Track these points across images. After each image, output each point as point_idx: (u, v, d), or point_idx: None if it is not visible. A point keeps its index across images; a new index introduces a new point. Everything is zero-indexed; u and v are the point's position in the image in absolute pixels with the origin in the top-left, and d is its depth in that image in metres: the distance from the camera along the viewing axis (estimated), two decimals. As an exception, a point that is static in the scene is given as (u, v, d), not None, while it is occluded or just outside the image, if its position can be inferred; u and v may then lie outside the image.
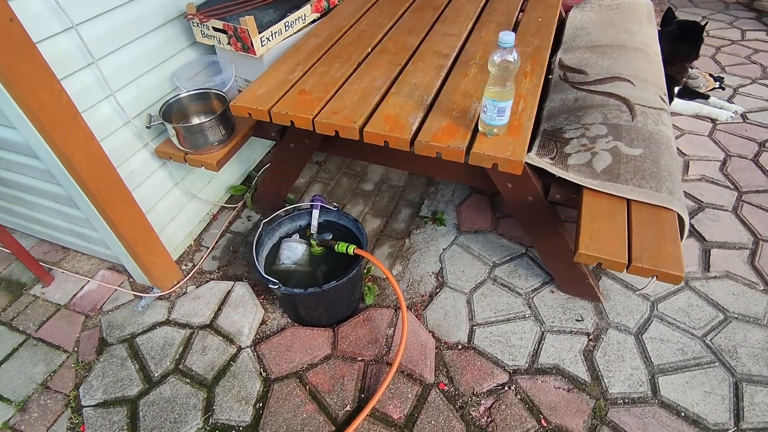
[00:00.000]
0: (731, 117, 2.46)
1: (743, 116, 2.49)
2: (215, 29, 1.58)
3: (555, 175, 1.43)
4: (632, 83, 1.74)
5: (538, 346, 1.57)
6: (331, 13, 1.87)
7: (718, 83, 2.66)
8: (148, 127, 1.54)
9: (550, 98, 1.82)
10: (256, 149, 2.32)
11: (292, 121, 1.33)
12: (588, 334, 1.59)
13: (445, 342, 1.60)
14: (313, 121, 1.30)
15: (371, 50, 1.61)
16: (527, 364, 1.52)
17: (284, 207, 1.72)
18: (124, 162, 1.55)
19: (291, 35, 1.71)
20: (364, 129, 1.25)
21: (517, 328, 1.62)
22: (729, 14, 3.52)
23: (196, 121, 1.67)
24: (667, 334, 1.57)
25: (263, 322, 1.68)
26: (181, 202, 1.87)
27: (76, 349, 1.63)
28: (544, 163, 1.44)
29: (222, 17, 1.58)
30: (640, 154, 1.44)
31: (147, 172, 1.66)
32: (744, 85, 2.73)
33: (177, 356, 1.58)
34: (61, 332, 1.68)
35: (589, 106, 1.67)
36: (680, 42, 2.39)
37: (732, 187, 2.09)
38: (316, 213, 1.69)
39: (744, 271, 1.75)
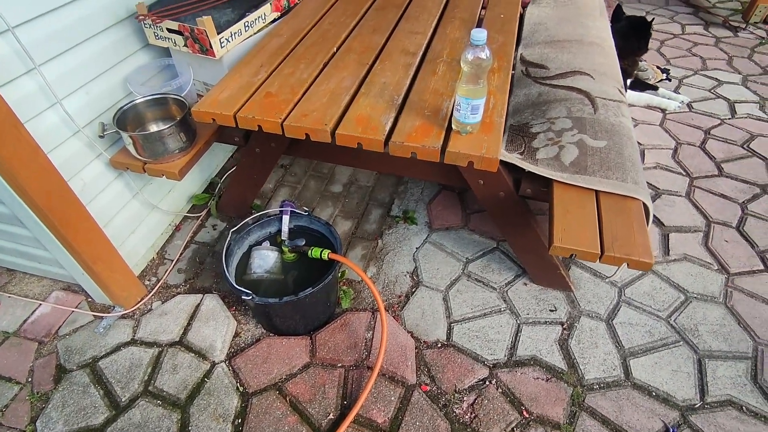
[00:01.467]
0: (679, 107, 2.59)
1: (689, 106, 2.63)
2: (170, 30, 1.49)
3: (525, 169, 1.45)
4: (592, 77, 1.79)
5: (515, 338, 1.59)
6: (292, 12, 1.82)
7: (665, 75, 2.81)
8: (101, 137, 1.44)
9: (514, 93, 1.84)
10: (218, 155, 2.23)
11: (259, 126, 1.28)
12: (562, 324, 1.63)
13: (424, 341, 1.59)
14: (282, 124, 1.25)
15: (336, 50, 1.58)
16: (506, 358, 1.54)
17: (251, 214, 1.66)
18: (76, 174, 1.45)
19: (251, 36, 1.64)
20: (336, 131, 1.22)
21: (493, 322, 1.64)
22: (669, 9, 3.72)
23: (154, 128, 1.58)
24: (635, 318, 1.64)
25: (236, 335, 1.61)
26: (141, 214, 1.77)
27: (29, 379, 1.51)
28: (515, 159, 1.46)
29: (176, 17, 1.50)
30: (604, 146, 1.48)
31: (102, 184, 1.55)
32: (688, 76, 2.89)
33: (146, 377, 1.49)
34: (11, 362, 1.55)
35: (553, 100, 1.71)
36: (631, 36, 2.50)
37: (684, 173, 2.21)
38: (286, 219, 1.64)
39: (699, 252, 1.85)
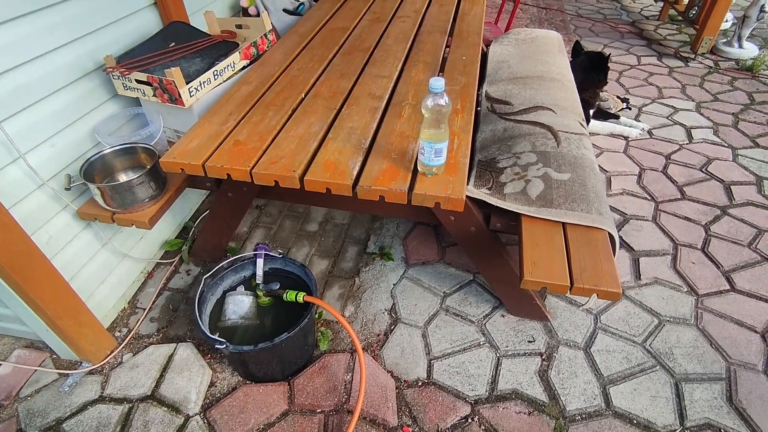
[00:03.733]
0: (640, 134, 2.71)
1: (649, 132, 2.75)
2: (139, 81, 1.51)
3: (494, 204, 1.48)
4: (554, 111, 1.87)
5: (496, 372, 1.59)
6: (261, 59, 1.86)
7: (625, 104, 2.94)
8: (67, 189, 1.42)
9: (480, 129, 1.91)
10: (191, 198, 2.22)
11: (228, 174, 1.28)
12: (541, 354, 1.63)
13: (404, 380, 1.57)
14: (251, 172, 1.26)
15: (305, 95, 1.61)
16: (487, 393, 1.53)
17: (225, 257, 1.64)
18: (41, 228, 1.41)
19: (220, 84, 1.67)
20: (305, 177, 1.23)
21: (473, 356, 1.63)
22: (625, 42, 3.93)
23: (123, 178, 1.57)
24: (612, 345, 1.65)
25: (212, 384, 1.56)
26: (111, 264, 1.73)
27: (-11, 446, 1.42)
28: (483, 195, 1.50)
29: (145, 69, 1.52)
30: (568, 178, 1.54)
31: (68, 236, 1.52)
32: (646, 105, 3.03)
33: (115, 437, 1.42)
34: (-30, 428, 1.46)
35: (518, 135, 1.77)
36: (590, 70, 2.63)
37: (649, 198, 2.29)
38: (260, 262, 1.63)
39: (669, 275, 1.90)
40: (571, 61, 2.71)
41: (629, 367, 1.59)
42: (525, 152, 1.66)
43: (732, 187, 2.34)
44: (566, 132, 1.75)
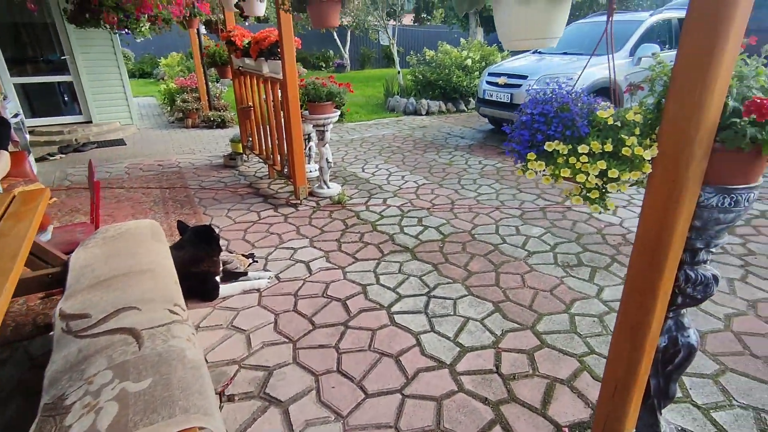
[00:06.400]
0: (268, 283, 2.95)
1: (277, 278, 3.04)
2: None
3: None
4: (138, 309, 1.75)
5: None
6: None
7: (251, 259, 3.19)
8: None
9: (52, 360, 1.58)
10: None
11: None
12: None
13: None
14: None
15: None
16: None
17: None
18: None
19: None
20: None
21: None
22: (246, 202, 4.45)
23: None
24: None
25: None
26: None
27: None
28: (30, 461, 1.16)
29: None
30: (149, 384, 1.39)
31: None
32: (271, 253, 3.39)
33: None
34: None
35: (94, 353, 1.54)
36: (201, 243, 2.74)
37: (287, 340, 2.42)
38: None
39: (316, 411, 1.96)
40: (180, 240, 2.77)
41: None
42: (99, 372, 1.44)
43: (347, 301, 2.76)
44: (151, 328, 1.64)
